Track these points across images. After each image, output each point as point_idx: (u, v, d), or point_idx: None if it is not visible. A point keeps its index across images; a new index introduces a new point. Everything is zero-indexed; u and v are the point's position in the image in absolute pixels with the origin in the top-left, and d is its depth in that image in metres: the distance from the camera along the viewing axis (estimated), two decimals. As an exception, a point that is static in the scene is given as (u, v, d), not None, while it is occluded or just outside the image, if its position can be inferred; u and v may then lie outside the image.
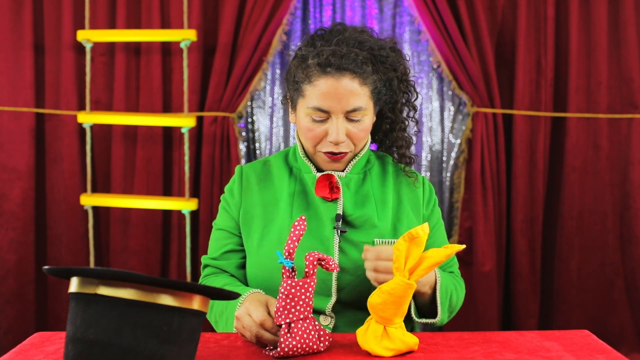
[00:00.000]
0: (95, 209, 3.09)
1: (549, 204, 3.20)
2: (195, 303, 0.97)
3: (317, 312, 1.36)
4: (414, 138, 1.54)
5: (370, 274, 1.25)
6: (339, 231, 1.38)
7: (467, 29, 3.03)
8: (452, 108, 3.24)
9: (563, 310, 3.16)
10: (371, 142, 1.54)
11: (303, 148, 1.47)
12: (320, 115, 1.36)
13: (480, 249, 3.06)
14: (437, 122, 3.25)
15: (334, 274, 1.36)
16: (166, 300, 0.93)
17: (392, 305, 1.13)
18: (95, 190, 3.12)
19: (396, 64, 1.43)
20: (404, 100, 1.49)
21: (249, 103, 3.18)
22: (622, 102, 3.14)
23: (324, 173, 1.43)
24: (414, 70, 3.22)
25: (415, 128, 1.56)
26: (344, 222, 1.40)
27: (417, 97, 1.52)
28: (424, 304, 1.36)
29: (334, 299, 1.36)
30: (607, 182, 3.15)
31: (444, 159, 3.25)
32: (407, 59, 1.49)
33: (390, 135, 1.50)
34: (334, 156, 1.39)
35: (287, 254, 1.14)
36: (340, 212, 1.40)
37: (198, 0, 3.01)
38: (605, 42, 3.08)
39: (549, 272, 3.21)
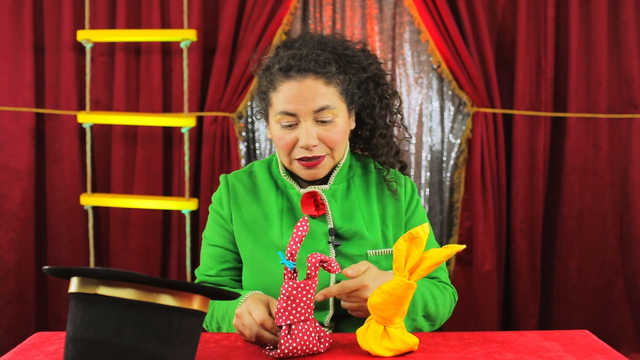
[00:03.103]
0: (95, 209, 3.09)
1: (549, 204, 3.20)
2: (195, 303, 0.97)
3: None
4: (402, 144, 1.51)
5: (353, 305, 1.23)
6: (334, 245, 1.37)
7: (467, 29, 3.03)
8: (452, 108, 3.24)
9: (563, 310, 3.16)
10: (354, 152, 1.52)
11: (283, 164, 1.43)
12: (288, 119, 1.33)
13: (480, 249, 3.06)
14: (437, 122, 3.25)
15: None
16: (166, 300, 0.93)
17: (392, 305, 1.13)
18: (95, 190, 3.12)
19: (364, 63, 1.41)
20: (382, 105, 1.45)
21: (249, 103, 3.18)
22: (622, 102, 3.14)
23: (307, 190, 1.40)
24: (414, 70, 3.22)
25: (407, 134, 1.53)
26: (335, 235, 1.38)
27: (400, 103, 1.50)
28: None
29: (331, 312, 1.36)
30: (607, 182, 3.15)
31: (444, 159, 3.25)
32: (382, 62, 1.47)
33: (371, 142, 1.46)
34: (308, 162, 1.35)
35: (289, 255, 1.14)
36: (331, 225, 1.38)
37: (198, 0, 3.01)
38: (605, 42, 3.08)
39: (549, 272, 3.21)
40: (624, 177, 3.17)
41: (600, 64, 3.09)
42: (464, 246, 1.13)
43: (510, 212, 3.15)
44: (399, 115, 1.50)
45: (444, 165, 3.25)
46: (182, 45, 2.92)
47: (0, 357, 1.16)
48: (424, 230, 1.11)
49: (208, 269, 1.46)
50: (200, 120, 3.08)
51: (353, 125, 1.44)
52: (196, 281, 1.50)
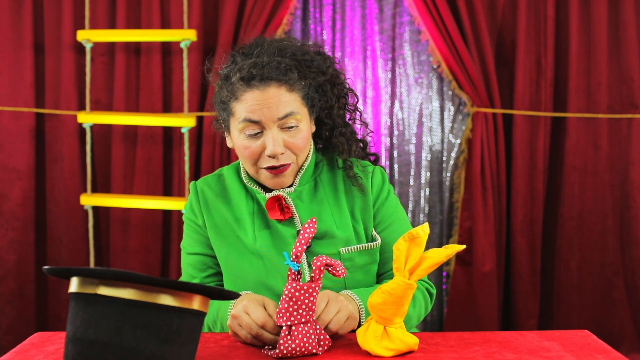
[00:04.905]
0: (95, 209, 3.09)
1: (548, 204, 3.20)
2: (195, 303, 0.97)
3: None
4: (367, 138, 1.53)
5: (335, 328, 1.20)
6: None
7: (467, 29, 3.03)
8: (452, 108, 3.23)
9: (563, 310, 3.16)
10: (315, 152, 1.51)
11: (246, 171, 1.42)
12: (253, 128, 1.32)
13: (480, 249, 3.06)
14: (437, 122, 3.25)
15: None
16: (166, 300, 0.93)
17: (392, 305, 1.13)
18: (95, 190, 3.12)
19: (323, 67, 1.41)
20: (340, 104, 1.46)
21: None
22: (622, 102, 3.14)
23: (271, 195, 1.38)
24: (414, 70, 3.22)
25: (368, 129, 1.54)
26: None
27: (357, 100, 1.51)
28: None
29: None
30: (607, 182, 3.15)
31: (444, 159, 3.25)
32: (337, 61, 1.47)
33: (331, 141, 1.47)
34: (275, 170, 1.35)
35: (294, 256, 1.14)
36: (299, 228, 1.38)
37: (198, 0, 3.01)
38: (605, 42, 3.08)
39: (549, 272, 3.21)
40: (624, 177, 3.16)
41: (600, 64, 3.09)
42: (464, 246, 1.13)
43: (510, 212, 3.15)
44: (357, 112, 1.52)
45: (444, 165, 3.25)
46: (182, 45, 2.92)
47: (0, 357, 1.16)
48: (424, 230, 1.11)
49: (191, 278, 1.45)
50: (200, 120, 3.08)
51: (314, 128, 1.44)
52: None
